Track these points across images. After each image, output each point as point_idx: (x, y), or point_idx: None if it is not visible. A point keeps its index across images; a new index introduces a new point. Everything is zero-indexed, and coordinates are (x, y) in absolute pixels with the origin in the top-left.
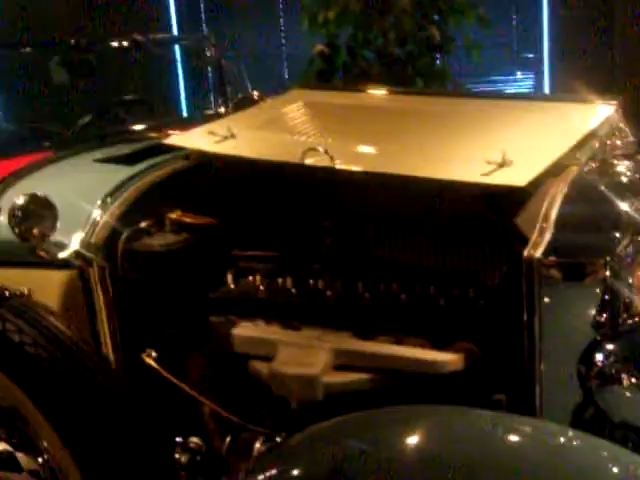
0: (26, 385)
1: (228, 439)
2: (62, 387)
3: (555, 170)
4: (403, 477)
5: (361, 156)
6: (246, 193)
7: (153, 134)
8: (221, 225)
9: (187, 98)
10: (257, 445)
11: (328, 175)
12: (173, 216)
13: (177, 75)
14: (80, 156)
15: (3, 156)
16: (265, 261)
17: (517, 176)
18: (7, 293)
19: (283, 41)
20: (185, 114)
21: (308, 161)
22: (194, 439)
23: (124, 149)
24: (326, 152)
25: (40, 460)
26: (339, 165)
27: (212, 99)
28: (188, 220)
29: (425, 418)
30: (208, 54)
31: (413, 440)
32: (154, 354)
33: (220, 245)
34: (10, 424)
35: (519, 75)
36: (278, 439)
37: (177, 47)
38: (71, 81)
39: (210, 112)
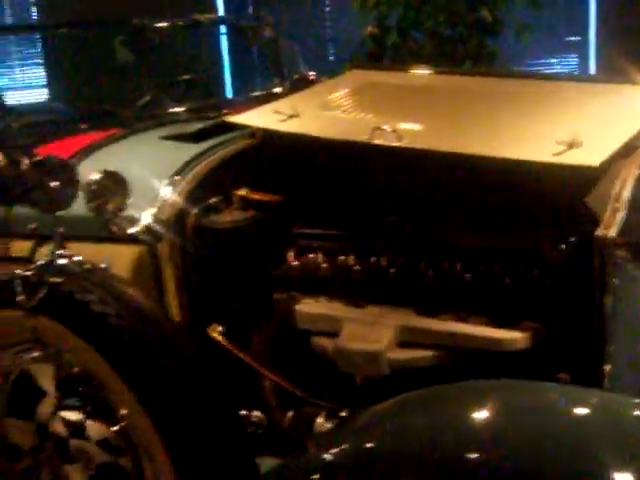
0: (110, 355)
1: (290, 414)
2: (145, 357)
3: (625, 151)
4: (472, 451)
5: (428, 135)
6: (310, 171)
7: (213, 113)
8: (287, 203)
9: (239, 78)
10: (319, 420)
11: (395, 154)
12: (241, 193)
13: (232, 55)
14: (145, 134)
15: (69, 134)
16: (328, 239)
17: (589, 157)
18: (89, 266)
19: (327, 23)
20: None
21: (376, 140)
22: (256, 413)
23: (188, 127)
24: (394, 131)
25: (115, 428)
26: (407, 144)
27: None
28: (255, 197)
29: (493, 392)
30: (266, 34)
31: (482, 414)
32: (220, 329)
33: (285, 222)
34: (83, 393)
35: (564, 57)
36: (343, 414)
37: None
38: (134, 61)
39: (266, 92)
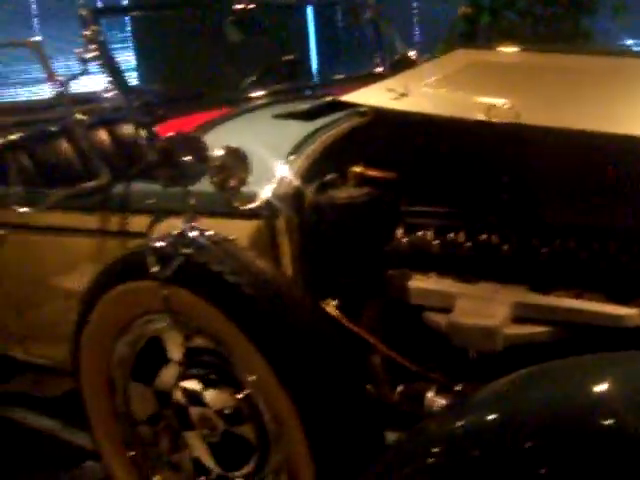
0: (244, 323)
1: (400, 388)
2: (278, 325)
3: None
4: (606, 418)
5: (545, 112)
6: (422, 149)
7: (321, 92)
8: (401, 179)
9: (329, 58)
10: (429, 394)
11: (511, 131)
12: (357, 170)
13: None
14: (257, 112)
15: (180, 113)
16: (440, 216)
17: None
18: (218, 238)
19: (415, 4)
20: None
21: (493, 118)
22: (367, 386)
23: (299, 106)
24: (511, 108)
25: (240, 396)
26: (527, 121)
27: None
28: (371, 174)
29: (615, 365)
30: (367, 15)
31: (604, 387)
32: (334, 303)
33: (399, 199)
34: (208, 362)
35: None
36: (457, 388)
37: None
38: (243, 41)
39: (368, 72)
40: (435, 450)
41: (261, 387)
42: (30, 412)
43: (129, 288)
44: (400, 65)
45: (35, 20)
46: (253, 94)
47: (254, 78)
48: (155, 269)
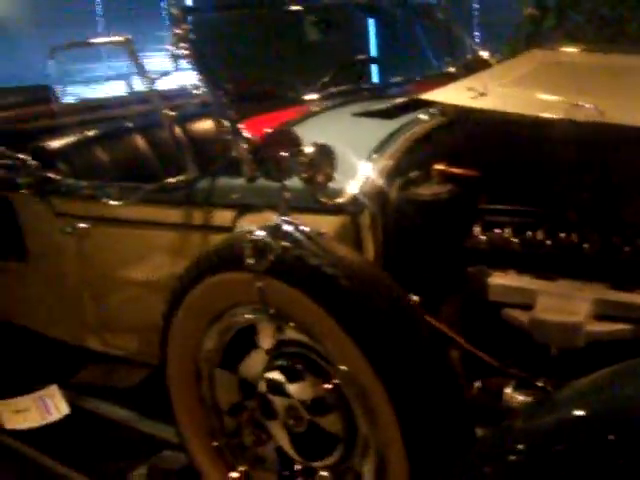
0: (341, 315)
1: (477, 384)
2: (374, 317)
3: None
4: None
5: (627, 112)
6: (503, 148)
7: (396, 90)
8: (483, 177)
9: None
10: (508, 390)
11: (593, 130)
12: (440, 167)
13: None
14: (336, 110)
15: (260, 112)
16: (520, 213)
17: None
18: (314, 232)
19: (476, 6)
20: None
21: (577, 116)
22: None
23: (378, 104)
24: (594, 107)
25: (328, 386)
26: (609, 120)
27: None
28: (454, 171)
29: None
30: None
31: None
32: (415, 298)
33: (480, 197)
34: (295, 353)
35: None
36: (539, 384)
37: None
38: (322, 40)
39: (442, 72)
40: (520, 447)
41: (353, 379)
42: (104, 402)
43: (222, 279)
44: (473, 65)
45: (99, 19)
46: (330, 92)
47: (328, 77)
48: (251, 261)
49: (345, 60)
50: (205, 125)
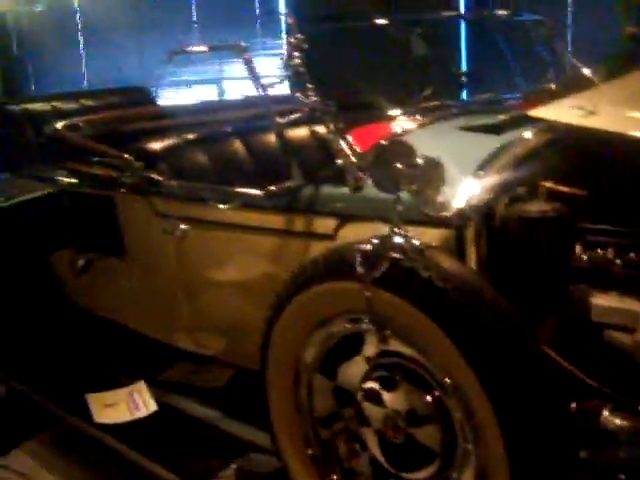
0: (450, 329)
1: (573, 404)
2: (485, 332)
3: None
4: None
5: None
6: (611, 167)
7: (498, 106)
8: (591, 196)
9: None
10: (605, 412)
11: None
12: (547, 185)
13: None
14: (443, 123)
15: (362, 122)
16: (623, 235)
17: None
18: (424, 244)
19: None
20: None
21: None
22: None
23: (485, 119)
24: None
25: (429, 398)
26: None
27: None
28: (562, 190)
29: None
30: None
31: None
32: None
33: (586, 216)
34: (396, 364)
35: None
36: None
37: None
38: (426, 53)
39: (544, 87)
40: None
41: (459, 392)
42: (190, 401)
43: (330, 288)
44: (577, 82)
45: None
46: (433, 105)
47: (430, 90)
48: (361, 271)
49: (446, 73)
50: (301, 133)
